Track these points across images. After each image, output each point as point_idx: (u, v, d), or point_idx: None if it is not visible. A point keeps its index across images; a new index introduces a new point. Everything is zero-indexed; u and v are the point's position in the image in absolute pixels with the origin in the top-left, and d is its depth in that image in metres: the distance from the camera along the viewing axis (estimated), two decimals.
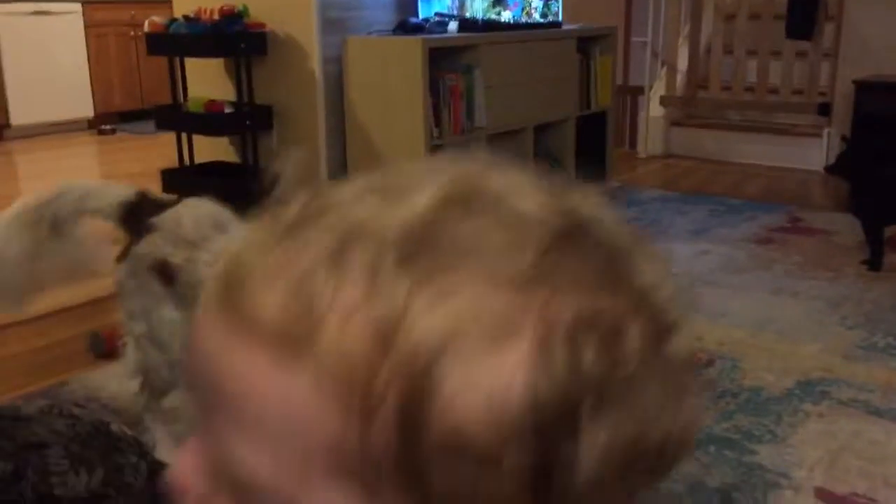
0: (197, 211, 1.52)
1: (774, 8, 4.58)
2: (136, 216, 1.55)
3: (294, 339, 0.31)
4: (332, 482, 0.32)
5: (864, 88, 4.17)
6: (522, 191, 0.34)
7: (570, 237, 0.33)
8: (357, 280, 0.31)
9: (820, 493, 1.65)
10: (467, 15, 3.70)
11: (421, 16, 3.68)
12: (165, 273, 1.43)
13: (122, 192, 1.62)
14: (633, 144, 5.48)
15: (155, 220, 1.52)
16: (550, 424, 0.30)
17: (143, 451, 1.06)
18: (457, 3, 3.73)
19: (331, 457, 0.31)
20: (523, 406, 0.30)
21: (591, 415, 0.31)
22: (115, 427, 1.06)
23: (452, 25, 3.56)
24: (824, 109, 4.55)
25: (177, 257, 1.40)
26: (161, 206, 1.57)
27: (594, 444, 0.31)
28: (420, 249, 0.31)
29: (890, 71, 4.21)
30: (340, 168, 3.54)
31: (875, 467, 1.73)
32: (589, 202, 0.36)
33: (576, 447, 0.31)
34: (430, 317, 0.30)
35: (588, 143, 4.16)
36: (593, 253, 0.34)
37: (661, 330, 0.34)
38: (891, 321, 2.48)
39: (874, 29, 4.29)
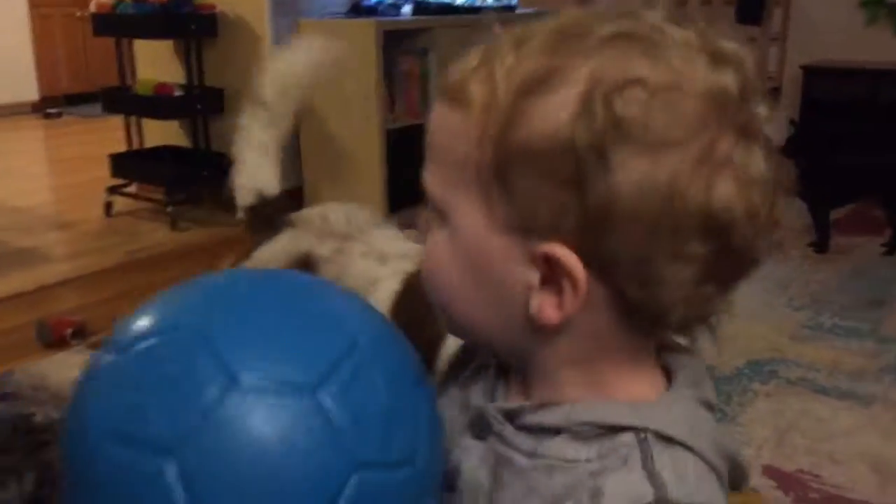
0: (345, 208, 1.45)
1: None
2: (262, 216, 1.46)
3: (459, 92, 0.50)
4: (462, 189, 0.50)
5: (811, 73, 4.25)
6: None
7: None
8: (504, 56, 0.49)
9: (768, 470, 1.69)
10: None
11: None
12: (307, 268, 1.34)
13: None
14: None
15: (292, 216, 1.43)
16: (589, 148, 0.45)
17: None
18: None
19: (464, 170, 0.49)
20: (570, 133, 0.45)
21: (621, 154, 0.45)
22: (38, 418, 1.02)
23: (406, 8, 3.54)
24: (774, 94, 4.62)
25: (324, 249, 1.33)
26: (285, 206, 1.49)
27: (627, 178, 0.45)
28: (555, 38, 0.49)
29: (837, 56, 4.30)
30: (294, 154, 3.50)
31: (821, 444, 1.78)
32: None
33: (608, 172, 0.45)
34: (514, 74, 0.48)
35: None
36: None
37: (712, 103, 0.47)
38: (837, 302, 2.54)
39: (821, 14, 4.37)
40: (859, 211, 3.19)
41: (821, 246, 2.96)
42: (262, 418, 0.47)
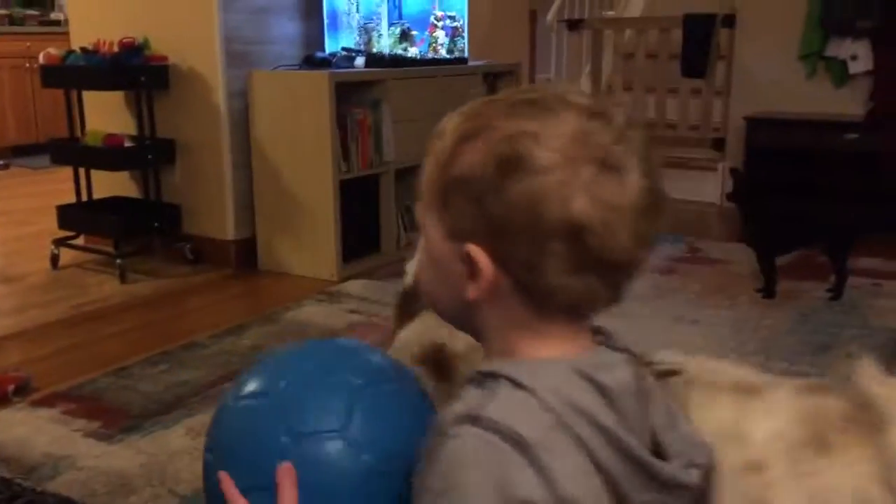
0: None
1: (670, 48, 4.78)
2: (410, 298, 1.31)
3: (431, 142, 0.74)
4: (428, 210, 0.73)
5: (754, 124, 4.38)
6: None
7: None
8: (456, 118, 0.73)
9: None
10: (374, 50, 3.73)
11: (328, 50, 3.68)
12: (440, 364, 1.18)
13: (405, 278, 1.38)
14: None
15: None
16: (489, 178, 0.68)
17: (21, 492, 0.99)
18: (364, 38, 3.75)
19: (429, 195, 0.73)
20: (479, 168, 0.68)
21: (510, 181, 0.67)
22: None
23: (359, 60, 3.57)
24: (719, 144, 4.75)
25: (459, 345, 1.13)
26: None
27: (513, 197, 0.67)
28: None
29: (777, 108, 4.44)
30: (247, 204, 3.48)
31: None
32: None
33: (501, 193, 0.67)
34: (457, 129, 0.72)
35: None
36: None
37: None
38: (785, 346, 2.58)
39: (763, 68, 4.52)
40: (805, 256, 3.26)
41: (768, 291, 3.02)
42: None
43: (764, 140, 4.32)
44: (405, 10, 3.81)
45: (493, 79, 4.14)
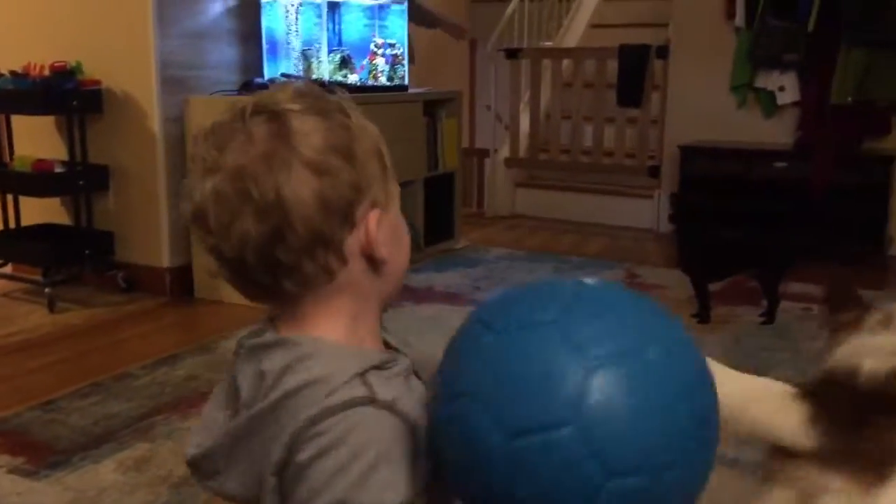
0: None
1: (606, 78, 4.88)
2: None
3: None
4: (381, 189, 0.82)
5: (688, 153, 4.48)
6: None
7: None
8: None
9: None
10: (314, 77, 3.71)
11: (266, 76, 3.65)
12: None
13: None
14: (480, 205, 5.63)
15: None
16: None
17: None
18: (303, 64, 3.73)
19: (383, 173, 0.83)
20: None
21: None
22: None
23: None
24: (654, 172, 4.85)
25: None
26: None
27: None
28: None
29: (710, 136, 4.55)
30: (183, 231, 3.42)
31: None
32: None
33: None
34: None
35: (437, 204, 4.23)
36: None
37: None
38: None
39: (696, 98, 4.64)
40: (738, 282, 3.33)
41: (703, 316, 3.07)
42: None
43: (698, 168, 4.42)
44: (345, 37, 3.81)
45: (433, 106, 4.17)
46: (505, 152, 5.32)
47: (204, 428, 0.82)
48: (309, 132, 0.76)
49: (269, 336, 0.80)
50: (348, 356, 0.77)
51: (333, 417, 0.72)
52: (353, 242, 0.79)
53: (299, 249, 0.75)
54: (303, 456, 0.72)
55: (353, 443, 0.71)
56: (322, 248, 0.76)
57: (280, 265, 0.76)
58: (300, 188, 0.74)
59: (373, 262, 0.81)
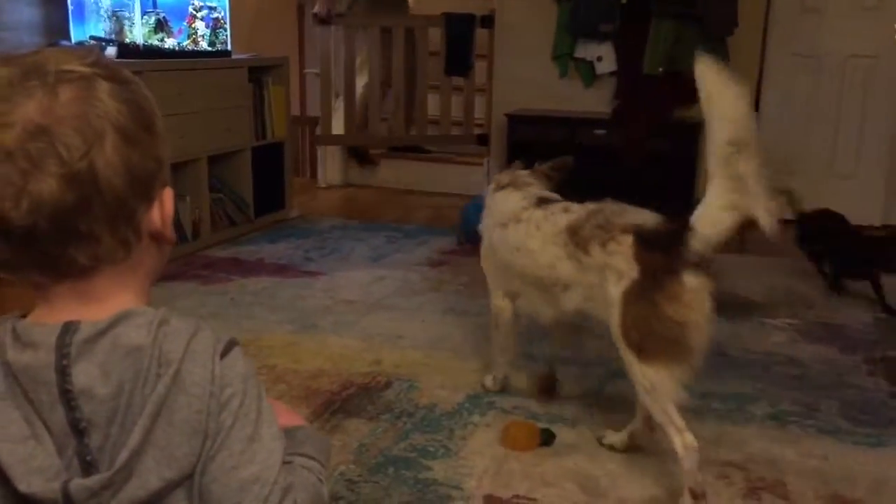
0: None
1: (431, 45, 4.88)
2: None
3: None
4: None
5: (515, 121, 4.60)
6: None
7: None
8: None
9: (489, 500, 1.76)
10: (127, 40, 3.50)
11: (74, 40, 3.40)
12: None
13: None
14: (313, 174, 5.54)
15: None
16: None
17: None
18: (115, 26, 3.50)
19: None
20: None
21: None
22: None
23: (110, 50, 3.34)
24: (483, 140, 4.95)
25: None
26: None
27: None
28: None
29: (535, 105, 4.69)
30: None
31: (534, 468, 1.88)
32: None
33: None
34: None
35: (267, 174, 4.12)
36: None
37: None
38: (546, 332, 2.72)
39: (520, 67, 4.76)
40: None
41: None
42: None
43: (524, 136, 4.55)
44: None
45: (259, 73, 4.04)
46: (337, 120, 5.20)
47: (38, 469, 0.72)
48: (119, 101, 0.73)
49: (102, 322, 0.74)
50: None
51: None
52: (147, 219, 0.77)
53: (103, 220, 0.72)
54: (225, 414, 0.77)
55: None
56: (124, 221, 0.74)
57: (79, 235, 0.72)
58: (113, 157, 0.71)
59: (158, 240, 0.79)
